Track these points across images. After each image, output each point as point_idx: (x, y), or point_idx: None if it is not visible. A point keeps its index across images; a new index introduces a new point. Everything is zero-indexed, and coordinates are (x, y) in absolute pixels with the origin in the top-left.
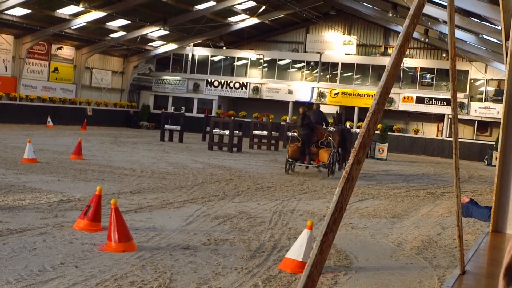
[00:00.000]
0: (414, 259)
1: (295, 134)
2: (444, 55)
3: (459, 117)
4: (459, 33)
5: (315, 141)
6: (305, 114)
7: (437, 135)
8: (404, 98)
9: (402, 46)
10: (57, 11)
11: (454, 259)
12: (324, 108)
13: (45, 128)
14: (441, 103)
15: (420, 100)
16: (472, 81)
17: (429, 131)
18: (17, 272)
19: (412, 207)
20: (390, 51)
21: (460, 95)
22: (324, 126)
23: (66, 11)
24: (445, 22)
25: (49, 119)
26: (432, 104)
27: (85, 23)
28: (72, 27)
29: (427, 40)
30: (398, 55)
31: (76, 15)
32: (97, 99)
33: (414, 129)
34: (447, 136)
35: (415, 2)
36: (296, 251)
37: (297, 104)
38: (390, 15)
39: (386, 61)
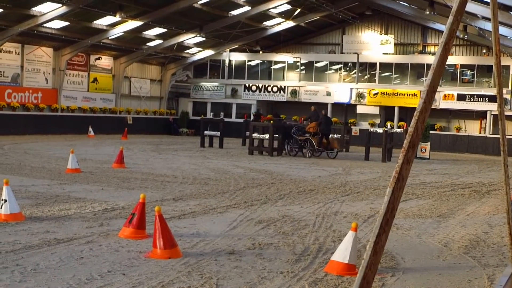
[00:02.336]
0: (462, 259)
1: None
2: (484, 51)
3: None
4: (500, 28)
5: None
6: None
7: (480, 132)
8: (445, 96)
9: (447, 43)
10: (95, 22)
11: (503, 257)
12: (364, 109)
13: (86, 138)
14: (482, 99)
15: (461, 98)
16: None
17: (472, 128)
18: (66, 281)
19: (458, 206)
20: (428, 49)
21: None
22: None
23: (103, 21)
24: (484, 18)
25: (90, 129)
26: (473, 101)
27: (122, 33)
28: (109, 37)
29: (466, 36)
30: (444, 53)
31: (113, 25)
32: (137, 108)
33: (456, 127)
34: (491, 133)
35: None
36: (342, 254)
37: (335, 105)
38: (427, 12)
39: (425, 59)
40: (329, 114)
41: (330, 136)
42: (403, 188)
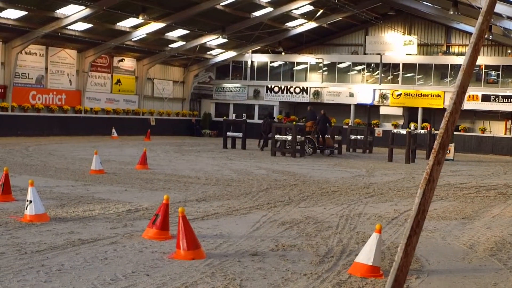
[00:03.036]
0: (487, 261)
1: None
2: (509, 51)
3: None
4: None
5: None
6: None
7: (505, 133)
8: (469, 97)
9: (477, 43)
10: (118, 24)
11: None
12: (387, 110)
13: (110, 139)
14: (508, 100)
15: (486, 98)
16: None
17: (497, 129)
18: (90, 281)
19: (483, 208)
20: (452, 49)
21: None
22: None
23: (126, 23)
24: (509, 17)
25: (113, 130)
26: (498, 101)
27: (145, 35)
28: (132, 39)
29: (491, 36)
30: (473, 53)
31: (136, 27)
32: (160, 109)
33: (481, 128)
34: None
35: None
36: (366, 255)
37: (358, 106)
38: (451, 13)
39: (449, 60)
40: (351, 115)
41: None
42: (433, 190)
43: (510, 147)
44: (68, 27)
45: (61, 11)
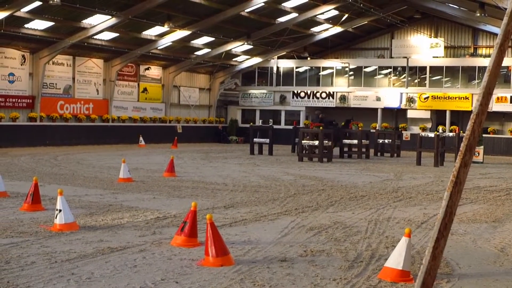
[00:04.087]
0: None
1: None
2: None
3: None
4: None
5: None
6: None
7: None
8: (497, 99)
9: (502, 44)
10: (143, 32)
11: None
12: (414, 113)
13: (137, 148)
14: None
15: None
16: None
17: None
18: None
19: None
20: (480, 51)
21: None
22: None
23: (152, 32)
24: None
25: (141, 138)
26: None
27: (170, 43)
28: (158, 47)
29: None
30: (499, 54)
31: (161, 35)
32: (186, 117)
33: (510, 130)
34: None
35: None
36: (396, 260)
37: (385, 110)
38: (478, 14)
39: (476, 62)
40: (378, 119)
41: None
42: (461, 192)
43: None
44: (95, 37)
45: (87, 21)
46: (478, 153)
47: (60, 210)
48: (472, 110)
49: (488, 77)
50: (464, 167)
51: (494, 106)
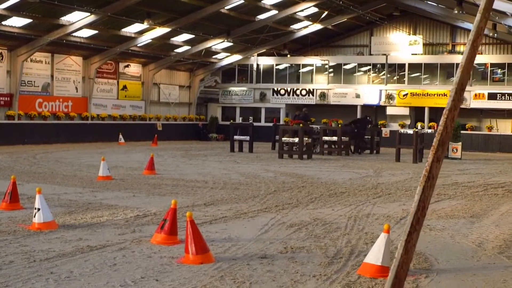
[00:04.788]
0: (496, 259)
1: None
2: None
3: None
4: None
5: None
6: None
7: None
8: (475, 95)
9: (475, 41)
10: (123, 30)
11: None
12: (393, 110)
13: (117, 145)
14: None
15: (492, 97)
16: None
17: (504, 127)
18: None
19: (491, 206)
20: (458, 48)
21: None
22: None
23: (131, 29)
24: None
25: (120, 136)
26: (505, 99)
27: (150, 40)
28: (138, 45)
29: (495, 35)
30: (471, 50)
31: (141, 32)
32: (166, 114)
33: (487, 126)
34: None
35: None
36: (375, 256)
37: (365, 107)
38: (456, 12)
39: (455, 59)
40: (358, 116)
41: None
42: (433, 187)
43: None
44: (73, 34)
45: (66, 18)
46: (456, 150)
47: (38, 209)
48: None
49: (460, 73)
50: (436, 162)
51: (472, 103)
